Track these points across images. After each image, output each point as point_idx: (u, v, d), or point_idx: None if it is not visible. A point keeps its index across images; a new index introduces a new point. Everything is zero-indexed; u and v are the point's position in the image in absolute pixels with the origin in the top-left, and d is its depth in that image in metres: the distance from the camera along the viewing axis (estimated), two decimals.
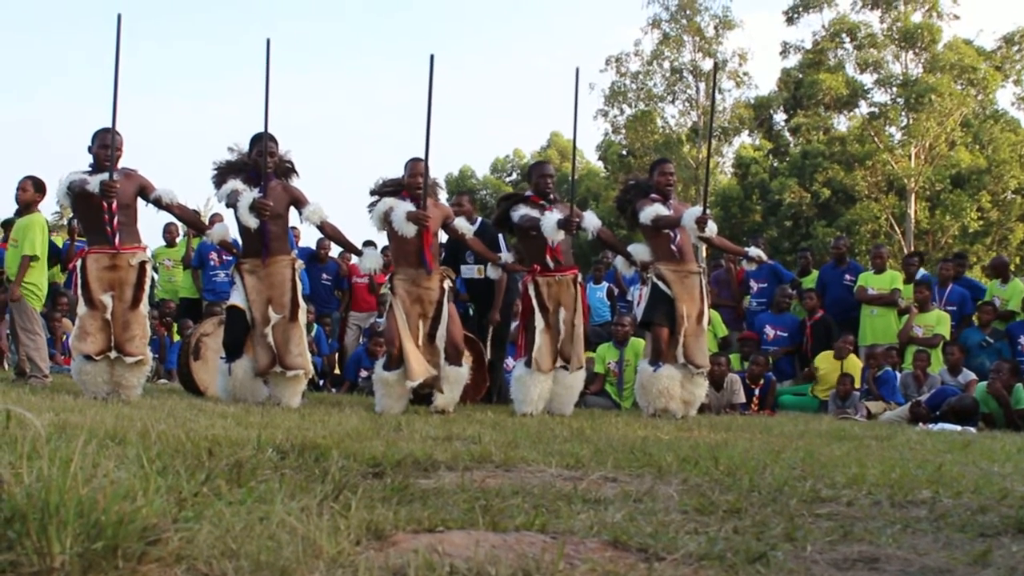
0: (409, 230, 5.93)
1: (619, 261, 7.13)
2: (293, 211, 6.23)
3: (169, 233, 10.41)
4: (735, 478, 2.80)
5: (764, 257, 7.28)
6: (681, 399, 6.44)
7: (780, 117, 29.27)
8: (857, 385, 8.45)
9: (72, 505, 1.47)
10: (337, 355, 10.19)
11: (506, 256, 6.76)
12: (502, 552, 1.70)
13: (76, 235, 8.99)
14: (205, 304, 9.73)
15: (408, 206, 5.99)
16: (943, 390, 7.52)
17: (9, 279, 7.30)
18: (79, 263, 5.90)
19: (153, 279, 10.10)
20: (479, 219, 7.59)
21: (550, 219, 6.23)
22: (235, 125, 70.12)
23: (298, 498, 1.99)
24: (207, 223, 7.45)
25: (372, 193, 6.22)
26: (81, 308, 5.84)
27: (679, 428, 5.27)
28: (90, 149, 5.96)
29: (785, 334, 9.50)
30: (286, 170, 6.20)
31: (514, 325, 7.77)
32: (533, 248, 6.46)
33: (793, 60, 28.16)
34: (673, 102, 28.36)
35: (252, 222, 5.90)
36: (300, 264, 6.31)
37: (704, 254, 14.23)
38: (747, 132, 29.04)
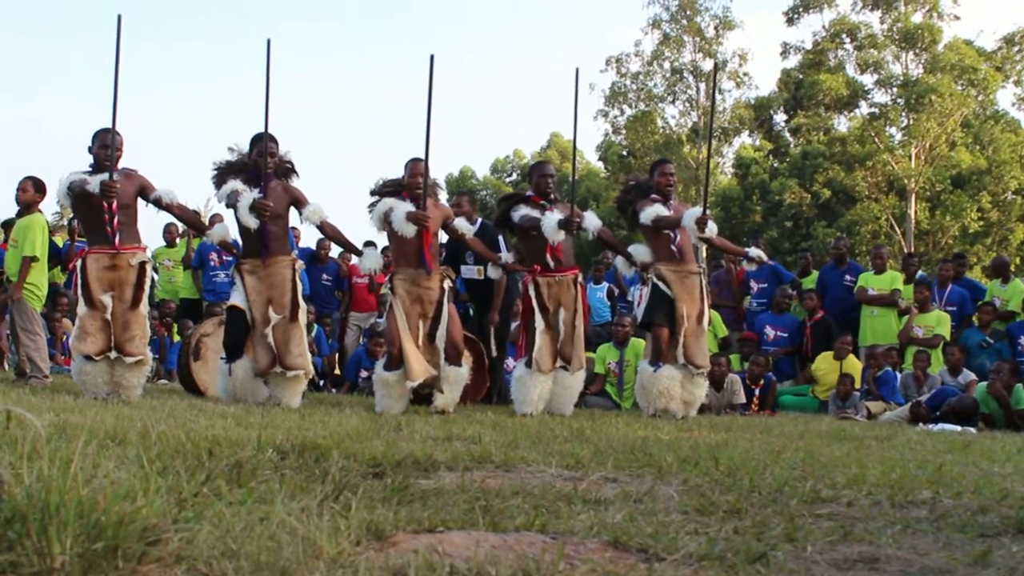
0: (409, 230, 5.93)
1: (619, 261, 7.13)
2: (293, 211, 6.23)
3: (169, 233, 10.42)
4: (735, 478, 2.80)
5: (764, 258, 7.28)
6: (681, 399, 6.44)
7: (780, 117, 29.28)
8: (857, 385, 8.45)
9: (72, 505, 1.47)
10: (337, 355, 10.19)
11: (506, 256, 6.76)
12: (502, 552, 1.70)
13: (76, 235, 8.99)
14: (205, 304, 9.73)
15: (408, 206, 5.99)
16: (943, 390, 7.52)
17: (9, 279, 7.30)
18: (79, 263, 5.91)
19: (153, 279, 10.11)
20: (479, 219, 7.59)
21: (551, 219, 6.24)
22: (235, 125, 70.13)
23: (298, 498, 1.99)
24: (207, 223, 7.45)
25: (372, 193, 6.22)
26: (81, 308, 5.84)
27: (679, 428, 5.27)
28: (90, 149, 5.97)
29: (785, 334, 9.50)
30: (286, 170, 6.20)
31: (514, 325, 7.77)
32: (534, 248, 6.46)
33: (793, 60, 28.20)
34: (673, 102, 28.39)
35: (252, 222, 5.90)
36: (300, 264, 6.31)
37: (704, 254, 14.24)
38: (747, 132, 29.05)
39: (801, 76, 27.32)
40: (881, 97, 26.96)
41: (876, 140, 26.34)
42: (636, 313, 7.12)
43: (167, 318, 10.19)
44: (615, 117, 28.72)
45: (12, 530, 1.44)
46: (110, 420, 3.65)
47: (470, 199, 7.99)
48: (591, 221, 6.61)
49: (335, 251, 10.12)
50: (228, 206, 6.04)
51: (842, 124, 28.06)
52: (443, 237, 6.81)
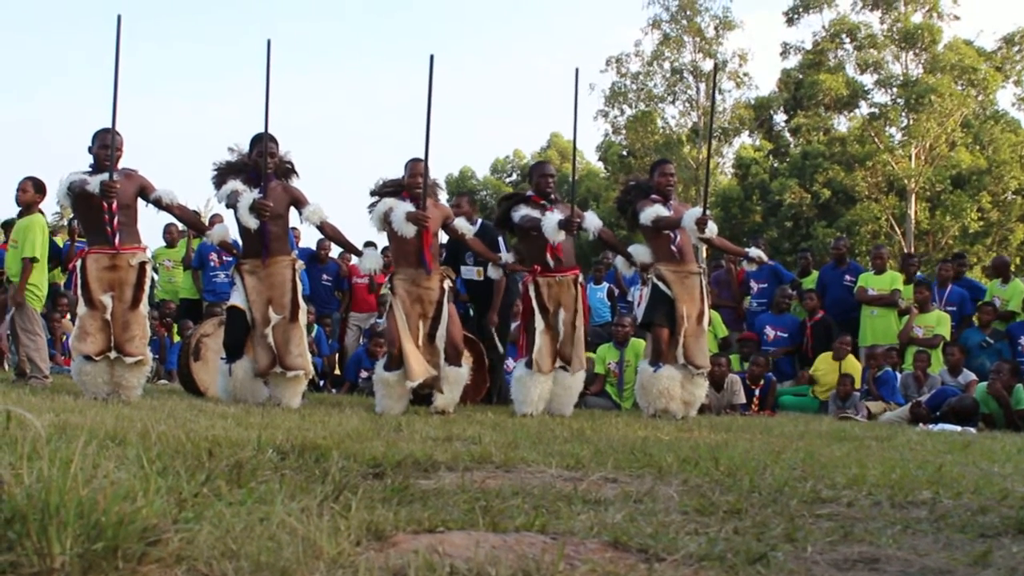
0: (408, 230, 5.93)
1: (619, 261, 7.13)
2: (293, 212, 6.23)
3: (169, 234, 10.41)
4: (735, 479, 2.80)
5: (764, 258, 7.28)
6: (681, 400, 6.44)
7: (780, 118, 29.28)
8: (857, 386, 8.45)
9: (72, 506, 1.47)
10: (337, 356, 10.19)
11: (506, 257, 6.76)
12: (502, 553, 1.70)
13: (76, 235, 9.00)
14: (205, 305, 9.73)
15: (408, 206, 5.99)
16: (943, 391, 7.52)
17: (10, 279, 7.30)
18: (79, 263, 5.91)
19: (153, 280, 10.11)
20: (479, 220, 7.59)
21: (551, 219, 6.24)
22: (235, 126, 70.14)
23: (298, 499, 1.99)
24: (207, 224, 7.45)
25: (372, 194, 6.22)
26: (81, 308, 5.84)
27: (679, 429, 5.27)
28: (90, 149, 5.97)
29: (785, 335, 9.50)
30: (286, 171, 6.20)
31: (514, 325, 7.77)
32: (534, 248, 6.46)
33: (793, 61, 28.20)
34: (673, 103, 28.40)
35: (252, 223, 5.90)
36: (300, 265, 6.31)
37: (704, 255, 14.24)
38: (747, 133, 29.05)
39: (801, 76, 27.32)
40: (881, 97, 27.00)
41: (876, 140, 26.34)
42: (636, 313, 7.12)
43: (167, 318, 10.19)
44: (615, 117, 28.76)
45: (12, 530, 1.44)
46: (110, 420, 3.65)
47: (469, 199, 7.99)
48: (591, 221, 6.61)
49: (335, 251, 10.13)
50: (228, 206, 6.04)
51: (842, 124, 28.09)
52: (443, 237, 6.81)
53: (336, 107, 56.10)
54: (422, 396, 6.23)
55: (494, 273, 6.91)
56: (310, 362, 6.16)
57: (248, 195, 5.88)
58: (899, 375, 8.50)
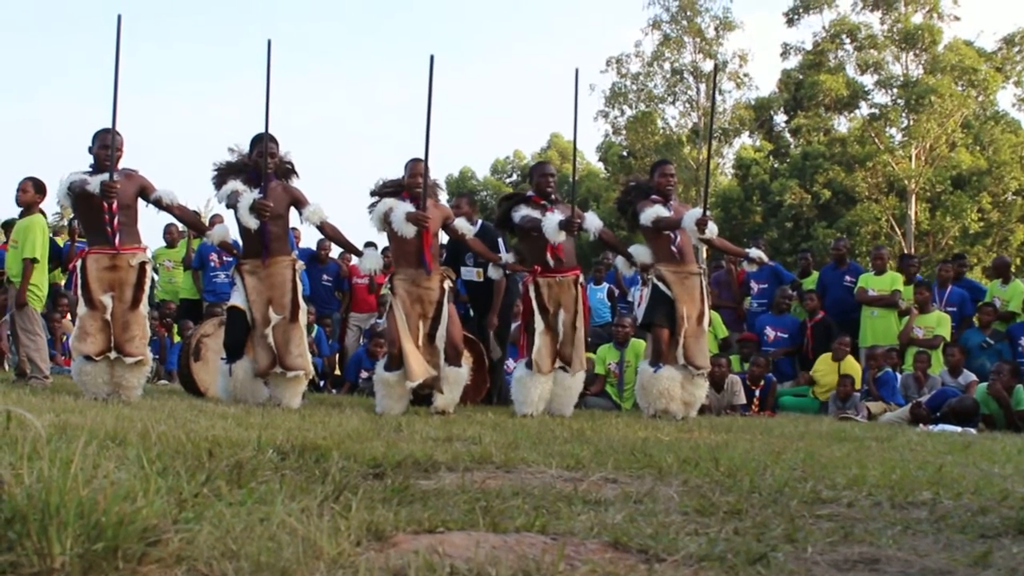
0: (408, 231, 5.93)
1: (620, 261, 7.13)
2: (293, 212, 6.23)
3: (169, 234, 10.42)
4: (736, 479, 2.80)
5: (765, 258, 7.28)
6: (681, 400, 6.44)
7: (780, 118, 29.29)
8: (857, 386, 8.44)
9: (72, 506, 1.47)
10: (337, 356, 10.19)
11: (506, 257, 6.76)
12: (502, 553, 1.70)
13: (77, 236, 9.00)
14: (205, 305, 9.73)
15: (408, 207, 5.99)
16: (943, 391, 7.52)
17: (10, 280, 7.31)
18: (79, 263, 5.91)
19: (153, 280, 10.11)
20: (479, 221, 7.59)
21: (552, 220, 6.23)
22: (235, 126, 70.17)
23: (298, 499, 1.99)
24: (207, 224, 7.45)
25: (372, 194, 6.23)
26: (81, 308, 5.84)
27: (679, 429, 5.27)
28: (90, 150, 5.97)
29: (785, 335, 9.50)
30: (286, 171, 6.20)
31: (515, 326, 7.77)
32: (534, 248, 6.46)
33: (793, 61, 28.21)
34: (673, 103, 28.41)
35: (252, 223, 5.90)
36: (300, 265, 6.31)
37: (705, 255, 14.24)
38: (747, 133, 29.06)
39: (801, 77, 27.33)
40: (881, 98, 27.02)
41: (876, 141, 26.35)
42: (636, 314, 7.12)
43: (167, 319, 10.20)
44: (615, 118, 28.77)
45: (12, 530, 1.44)
46: (110, 421, 3.65)
47: (469, 200, 7.99)
48: (592, 222, 6.61)
49: (335, 251, 10.13)
50: (228, 207, 6.04)
51: (842, 125, 28.11)
52: (443, 238, 6.80)
53: (336, 107, 56.16)
54: (422, 396, 6.23)
55: (494, 273, 6.91)
56: (310, 362, 6.16)
57: (248, 195, 5.88)
58: (899, 376, 8.50)
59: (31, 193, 7.13)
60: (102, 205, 5.80)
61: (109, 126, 5.80)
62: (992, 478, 3.14)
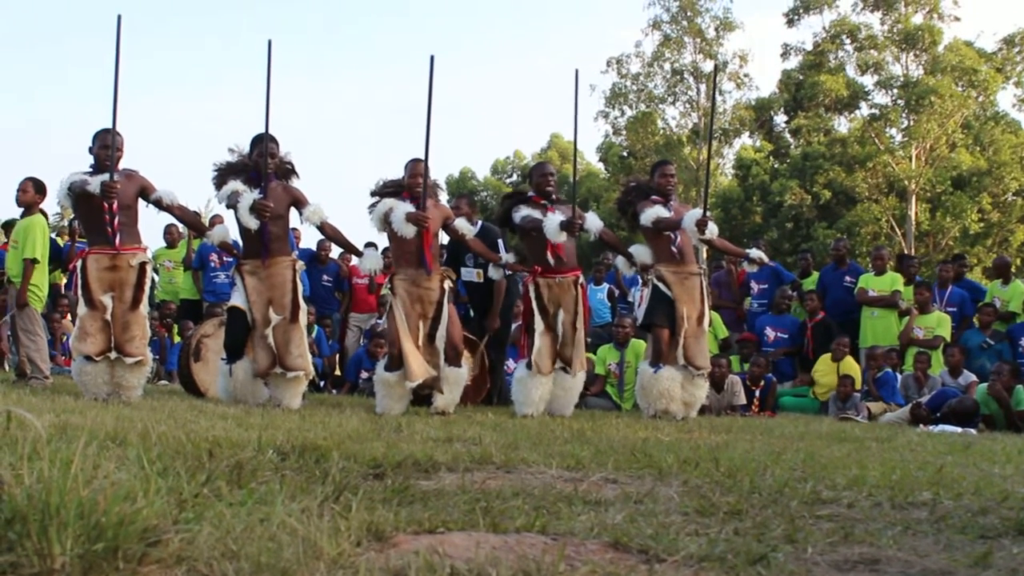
0: (408, 231, 5.94)
1: (620, 261, 7.13)
2: (294, 212, 6.23)
3: (170, 234, 10.42)
4: (736, 480, 2.80)
5: (765, 259, 7.28)
6: (682, 401, 6.44)
7: (781, 119, 29.28)
8: (857, 387, 8.44)
9: (73, 506, 1.47)
10: (338, 356, 10.19)
11: (507, 257, 6.76)
12: (503, 553, 1.70)
13: (77, 236, 9.00)
14: (206, 305, 9.73)
15: (408, 207, 5.99)
16: (944, 392, 7.52)
17: (10, 280, 7.31)
18: (79, 263, 5.91)
19: (153, 280, 10.11)
20: (479, 221, 7.59)
21: (553, 220, 6.23)
22: (236, 126, 70.21)
23: (299, 499, 1.99)
24: (207, 224, 7.45)
25: (372, 194, 6.23)
26: (81, 309, 5.85)
27: (680, 430, 5.27)
28: (91, 150, 5.98)
29: (785, 336, 9.50)
30: (286, 171, 6.20)
31: (515, 326, 7.77)
32: (535, 248, 6.45)
33: (794, 62, 28.21)
34: (674, 103, 28.42)
35: (252, 223, 5.90)
36: (301, 265, 6.30)
37: (705, 256, 14.25)
38: (748, 134, 29.06)
39: (801, 77, 27.34)
40: (881, 98, 27.02)
41: (876, 141, 26.35)
42: (636, 314, 7.12)
43: (167, 319, 10.20)
44: (615, 118, 28.78)
45: (12, 531, 1.44)
46: (110, 421, 3.65)
47: (469, 201, 7.98)
48: (593, 222, 6.61)
49: (335, 252, 10.13)
50: (228, 207, 6.04)
51: (842, 125, 28.11)
52: (444, 238, 6.80)
53: (336, 107, 56.19)
54: (422, 397, 6.23)
55: (495, 274, 6.91)
56: (310, 363, 6.16)
57: (248, 196, 5.88)
58: (899, 376, 8.50)
59: (31, 193, 7.13)
60: (102, 205, 5.80)
61: (109, 126, 5.80)
62: (992, 479, 3.14)
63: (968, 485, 2.86)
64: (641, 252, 6.72)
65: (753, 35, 57.97)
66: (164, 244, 10.51)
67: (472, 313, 7.81)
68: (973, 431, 6.65)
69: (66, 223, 13.00)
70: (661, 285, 6.50)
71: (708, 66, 27.15)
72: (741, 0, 46.32)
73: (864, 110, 27.21)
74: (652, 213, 6.47)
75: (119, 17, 5.73)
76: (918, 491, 2.68)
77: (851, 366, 8.68)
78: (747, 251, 7.32)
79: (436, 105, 6.08)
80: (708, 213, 6.40)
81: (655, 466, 3.07)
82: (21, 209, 7.27)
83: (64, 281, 9.68)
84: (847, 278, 9.75)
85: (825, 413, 8.42)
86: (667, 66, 27.98)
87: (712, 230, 6.31)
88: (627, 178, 8.43)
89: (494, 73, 56.44)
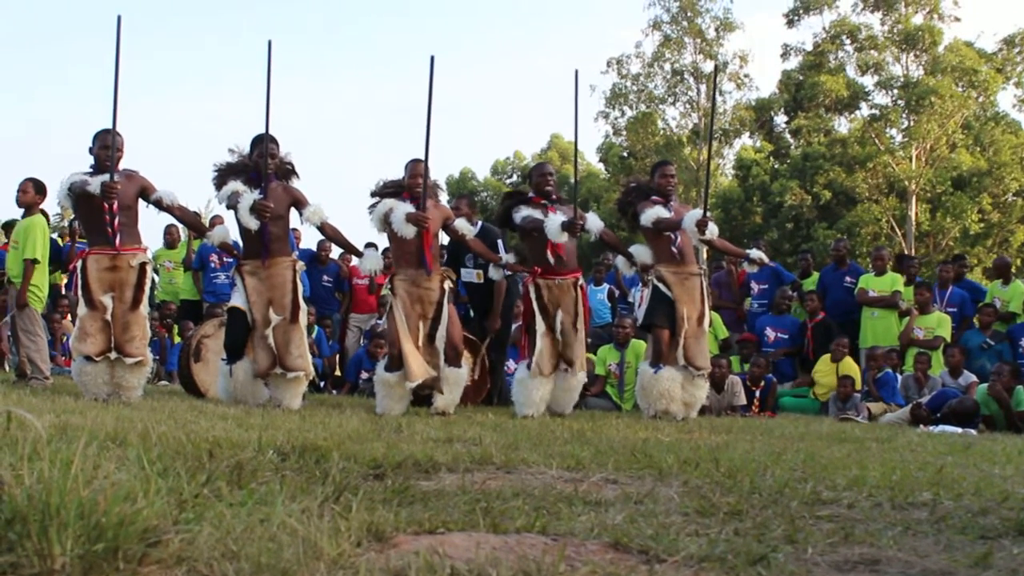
0: (408, 231, 5.94)
1: (620, 261, 7.13)
2: (294, 212, 6.23)
3: (170, 235, 10.42)
4: (736, 480, 2.80)
5: (766, 259, 7.28)
6: (682, 401, 6.44)
7: (781, 119, 29.29)
8: (858, 387, 8.44)
9: (73, 507, 1.47)
10: (338, 357, 10.19)
11: (507, 257, 6.76)
12: (503, 554, 1.70)
13: (77, 236, 9.00)
14: (206, 306, 9.73)
15: (408, 207, 5.99)
16: (944, 392, 7.51)
17: (10, 280, 7.31)
18: (80, 264, 5.91)
19: (154, 281, 10.11)
20: (479, 222, 7.59)
21: (554, 221, 6.22)
22: (236, 127, 70.21)
23: (299, 500, 1.99)
24: (208, 225, 7.45)
25: (373, 194, 6.23)
26: (81, 309, 5.85)
27: (680, 430, 5.27)
28: (91, 150, 5.98)
29: (786, 336, 9.50)
30: (287, 171, 6.20)
31: (515, 327, 7.76)
32: (536, 249, 6.45)
33: (794, 62, 28.22)
34: (674, 104, 28.42)
35: (253, 224, 5.90)
36: (301, 266, 6.30)
37: (705, 256, 14.25)
38: (748, 134, 29.07)
39: (801, 78, 27.35)
40: (881, 99, 27.03)
41: (877, 142, 26.35)
42: (637, 315, 7.12)
43: (167, 319, 10.20)
44: (616, 118, 28.78)
45: (13, 531, 1.44)
46: (110, 421, 3.65)
47: (469, 201, 7.98)
48: (593, 223, 6.60)
49: (336, 252, 10.13)
50: (229, 207, 6.04)
51: (843, 126, 28.12)
52: (444, 239, 6.80)
53: (336, 108, 56.20)
54: (422, 397, 6.23)
55: (495, 274, 6.91)
56: (310, 363, 6.16)
57: (249, 196, 5.88)
58: (899, 376, 8.49)
59: (31, 194, 7.13)
60: (103, 206, 5.81)
61: (109, 126, 5.80)
62: (992, 479, 3.14)
63: (968, 486, 2.86)
64: (641, 252, 6.72)
65: (753, 35, 58.03)
66: (164, 244, 10.51)
67: (472, 313, 7.81)
68: (973, 432, 6.64)
69: (66, 223, 13.00)
70: (661, 286, 6.50)
71: (708, 66, 27.16)
72: (741, 0, 46.37)
73: (864, 110, 27.23)
74: (652, 214, 6.47)
75: (119, 17, 5.74)
76: (918, 491, 2.68)
77: (850, 367, 8.68)
78: (747, 251, 7.32)
79: (436, 105, 6.10)
80: (708, 213, 6.40)
81: (655, 466, 3.07)
82: (22, 210, 7.28)
83: (64, 281, 9.68)
84: (847, 278, 9.74)
85: (825, 414, 8.41)
86: (667, 66, 27.99)
87: (712, 230, 6.31)
88: (627, 179, 8.43)
89: (494, 73, 56.49)
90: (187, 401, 6.04)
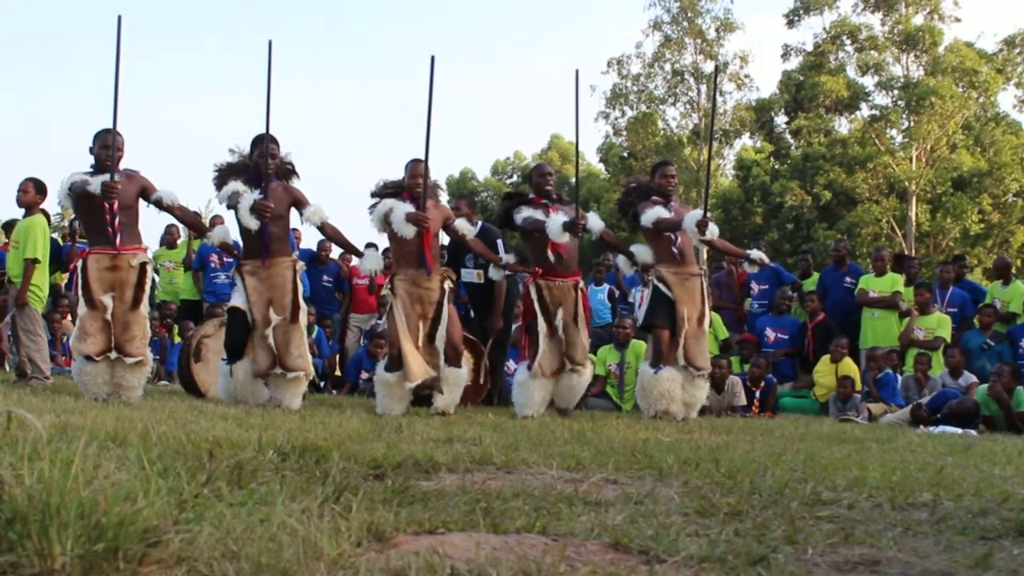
0: (408, 231, 5.94)
1: (621, 260, 7.12)
2: (294, 212, 6.23)
3: (170, 235, 10.42)
4: (736, 480, 2.80)
5: (766, 259, 7.27)
6: (682, 401, 6.44)
7: (781, 119, 29.29)
8: (857, 388, 8.44)
9: (73, 507, 1.47)
10: (338, 357, 10.19)
11: (507, 258, 6.75)
12: (503, 554, 1.70)
13: (77, 236, 9.00)
14: (206, 306, 9.73)
15: (408, 207, 5.99)
16: (944, 393, 7.51)
17: (11, 280, 7.31)
18: (80, 264, 5.91)
19: (154, 280, 10.11)
20: (479, 222, 7.59)
21: (555, 221, 6.21)
22: (236, 127, 70.22)
23: (299, 500, 1.99)
24: (208, 225, 7.45)
25: (373, 195, 6.23)
26: (82, 309, 5.85)
27: (680, 430, 5.27)
28: (91, 150, 5.98)
29: (786, 336, 9.50)
30: (287, 171, 6.20)
31: (515, 327, 7.76)
32: (537, 249, 6.44)
33: (794, 62, 28.22)
34: (674, 104, 28.43)
35: (253, 224, 5.90)
36: (301, 266, 6.30)
37: (705, 256, 14.25)
38: (748, 134, 29.07)
39: (802, 78, 27.35)
40: (882, 99, 27.03)
41: (877, 142, 26.35)
42: (637, 315, 7.11)
43: (168, 319, 10.20)
44: (616, 119, 28.78)
45: (13, 531, 1.44)
46: (111, 421, 3.65)
47: (469, 202, 7.98)
48: (594, 223, 6.60)
49: (336, 252, 10.13)
50: (229, 207, 6.04)
51: (843, 126, 28.12)
52: (444, 239, 6.80)
53: (337, 108, 56.21)
54: (422, 397, 6.23)
55: (495, 274, 6.91)
56: (310, 363, 6.16)
57: (249, 196, 5.88)
58: (900, 377, 8.49)
59: (32, 194, 7.13)
60: (103, 206, 5.81)
61: (110, 126, 5.80)
62: (993, 480, 3.14)
63: (968, 486, 2.86)
64: (642, 251, 6.72)
65: (753, 36, 58.08)
66: (164, 244, 10.51)
67: (472, 314, 7.81)
68: (973, 432, 6.64)
69: (67, 223, 13.00)
70: (661, 286, 6.50)
71: (709, 67, 27.16)
72: (742, 1, 46.33)
73: (864, 111, 27.24)
74: (653, 214, 6.47)
75: (119, 17, 5.74)
76: (918, 492, 2.68)
77: (850, 367, 8.68)
78: (747, 252, 7.32)
79: (437, 105, 6.10)
80: (708, 214, 6.40)
81: (655, 467, 3.07)
82: (22, 209, 7.28)
83: (64, 281, 9.68)
84: (847, 279, 9.74)
85: (825, 414, 8.41)
86: (668, 67, 28.00)
87: (712, 231, 6.31)
88: (628, 179, 8.42)
89: (494, 73, 56.51)
90: (187, 401, 6.04)
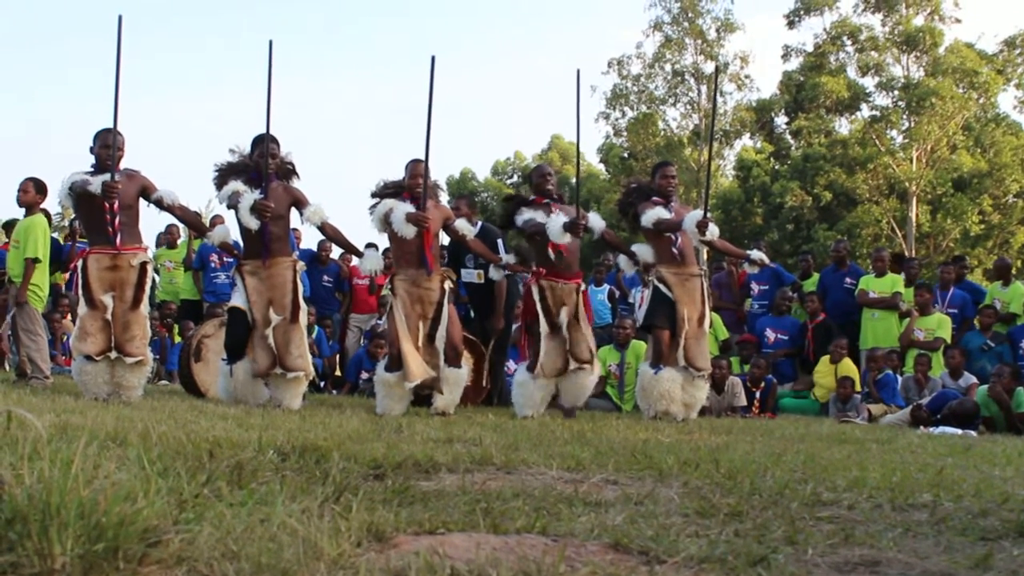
0: (408, 231, 5.94)
1: (622, 260, 7.11)
2: (294, 212, 6.23)
3: (170, 235, 10.42)
4: (736, 481, 2.80)
5: (766, 260, 7.27)
6: (682, 402, 6.44)
7: (781, 120, 29.29)
8: (857, 388, 8.44)
9: (73, 506, 1.47)
10: (338, 357, 10.19)
11: (507, 258, 6.75)
12: (503, 554, 1.70)
13: (77, 236, 9.00)
14: (206, 306, 9.74)
15: (408, 207, 5.99)
16: (944, 393, 7.51)
17: (11, 280, 7.31)
18: (80, 263, 5.92)
19: (154, 280, 10.11)
20: (479, 222, 7.59)
21: (556, 222, 6.20)
22: (237, 127, 70.22)
23: (299, 500, 1.99)
24: (208, 225, 7.45)
25: (373, 195, 6.23)
26: (82, 308, 5.85)
27: (680, 431, 5.27)
28: (92, 150, 5.98)
29: (786, 337, 9.50)
30: (287, 171, 6.21)
31: (515, 327, 7.76)
32: (539, 250, 6.43)
33: (794, 63, 28.22)
34: (675, 105, 28.44)
35: (253, 223, 5.90)
36: (301, 266, 6.30)
37: (706, 257, 14.25)
38: (748, 135, 29.08)
39: (802, 79, 27.35)
40: (882, 100, 27.04)
41: (877, 143, 26.35)
42: (637, 315, 7.11)
43: (168, 319, 10.20)
44: (616, 119, 28.79)
45: (13, 531, 1.44)
46: (111, 421, 3.65)
47: (469, 202, 7.98)
48: (595, 223, 6.60)
49: (336, 252, 10.13)
50: (229, 207, 6.04)
51: (843, 127, 28.11)
52: (444, 239, 6.80)
53: (337, 108, 56.21)
54: (422, 398, 6.23)
55: (495, 274, 6.91)
56: (310, 363, 6.15)
57: (249, 196, 5.88)
58: (900, 378, 8.49)
59: (32, 193, 7.13)
60: (103, 205, 5.81)
61: (110, 126, 5.81)
62: (993, 480, 3.14)
63: (968, 487, 2.86)
64: (643, 251, 6.72)
65: (754, 36, 58.11)
66: (164, 244, 10.51)
67: (473, 314, 7.81)
68: (973, 433, 6.64)
69: (67, 223, 13.00)
70: (662, 286, 6.50)
71: (709, 67, 27.17)
72: (742, 1, 46.31)
73: (865, 112, 27.24)
74: (653, 214, 6.47)
75: (120, 17, 5.74)
76: (918, 493, 2.68)
77: (849, 368, 8.68)
78: (748, 252, 7.32)
79: (437, 106, 6.10)
80: (709, 214, 6.40)
81: (655, 467, 3.07)
82: (23, 209, 7.28)
83: (65, 281, 9.68)
84: (847, 280, 9.74)
85: (825, 415, 8.41)
86: (668, 67, 28.01)
87: (713, 231, 6.31)
88: (628, 179, 8.42)
89: (494, 73, 56.52)
90: (187, 401, 6.04)
